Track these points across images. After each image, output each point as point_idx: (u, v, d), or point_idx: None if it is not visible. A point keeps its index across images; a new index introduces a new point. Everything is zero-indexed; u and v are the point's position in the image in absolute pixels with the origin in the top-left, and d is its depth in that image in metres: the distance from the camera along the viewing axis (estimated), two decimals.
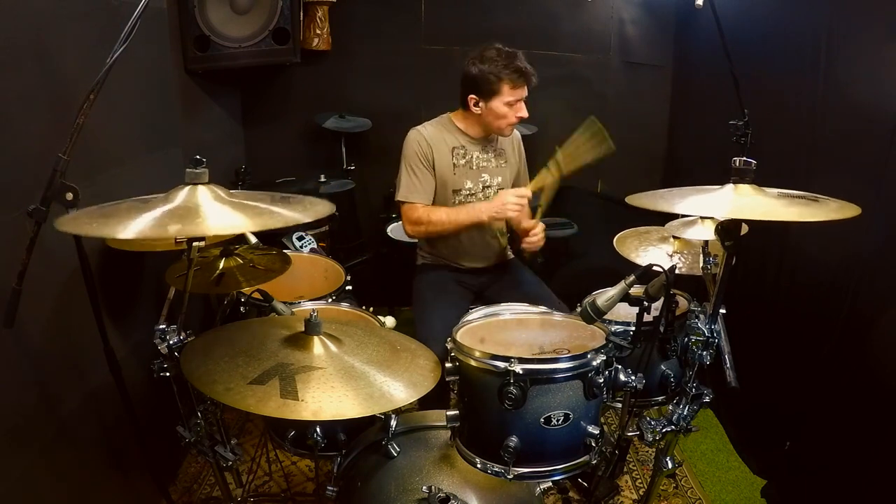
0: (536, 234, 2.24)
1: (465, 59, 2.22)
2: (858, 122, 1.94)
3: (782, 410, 2.29)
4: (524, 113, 2.21)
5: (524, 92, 2.18)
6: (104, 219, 1.12)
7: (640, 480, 2.36)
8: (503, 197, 2.18)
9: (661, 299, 1.43)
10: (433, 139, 2.26)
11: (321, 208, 1.30)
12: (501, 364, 1.30)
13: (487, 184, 2.33)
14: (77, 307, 1.51)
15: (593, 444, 1.39)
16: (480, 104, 2.20)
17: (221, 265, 1.66)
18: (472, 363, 1.36)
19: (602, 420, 1.47)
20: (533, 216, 2.27)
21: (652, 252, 2.01)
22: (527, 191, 2.18)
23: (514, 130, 2.44)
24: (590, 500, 2.02)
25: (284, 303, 1.75)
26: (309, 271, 2.33)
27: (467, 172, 2.30)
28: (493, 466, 1.36)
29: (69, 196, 1.16)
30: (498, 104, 2.17)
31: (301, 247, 2.82)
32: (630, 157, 3.67)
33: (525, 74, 2.15)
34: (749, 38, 2.48)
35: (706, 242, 1.68)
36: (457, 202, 2.30)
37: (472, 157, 2.30)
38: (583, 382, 1.35)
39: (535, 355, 1.38)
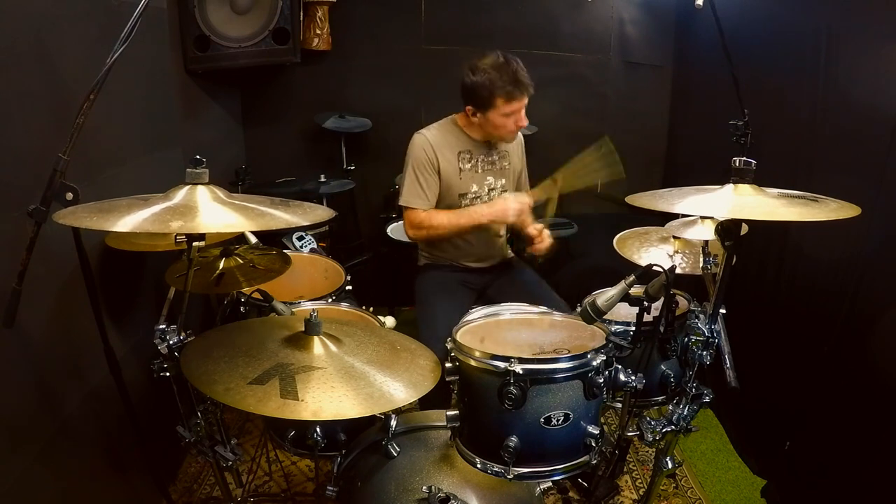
0: (542, 240, 2.23)
1: (463, 64, 2.16)
2: (858, 122, 1.94)
3: (782, 410, 2.28)
4: (523, 122, 2.16)
5: (521, 103, 2.12)
6: (102, 213, 1.12)
7: (640, 480, 2.36)
8: (504, 202, 2.17)
9: (661, 299, 1.43)
10: (438, 144, 2.22)
11: (321, 213, 1.31)
12: (501, 364, 1.30)
13: (492, 186, 2.32)
14: (77, 307, 1.51)
15: (593, 444, 1.39)
16: (478, 115, 2.16)
17: (221, 265, 1.66)
18: (472, 363, 1.36)
19: (602, 420, 1.46)
20: (536, 219, 2.26)
21: (652, 252, 2.01)
22: (527, 197, 2.18)
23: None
24: (590, 500, 2.02)
25: (284, 303, 1.75)
26: (309, 271, 2.33)
27: (473, 176, 2.28)
28: (493, 466, 1.36)
29: (69, 196, 1.16)
30: (495, 116, 2.12)
31: (301, 247, 2.82)
32: (630, 157, 3.67)
33: (520, 86, 2.07)
34: (749, 38, 2.48)
35: (706, 242, 1.68)
36: (463, 206, 2.28)
37: (477, 160, 2.28)
38: (583, 382, 1.35)
39: (535, 355, 1.38)
